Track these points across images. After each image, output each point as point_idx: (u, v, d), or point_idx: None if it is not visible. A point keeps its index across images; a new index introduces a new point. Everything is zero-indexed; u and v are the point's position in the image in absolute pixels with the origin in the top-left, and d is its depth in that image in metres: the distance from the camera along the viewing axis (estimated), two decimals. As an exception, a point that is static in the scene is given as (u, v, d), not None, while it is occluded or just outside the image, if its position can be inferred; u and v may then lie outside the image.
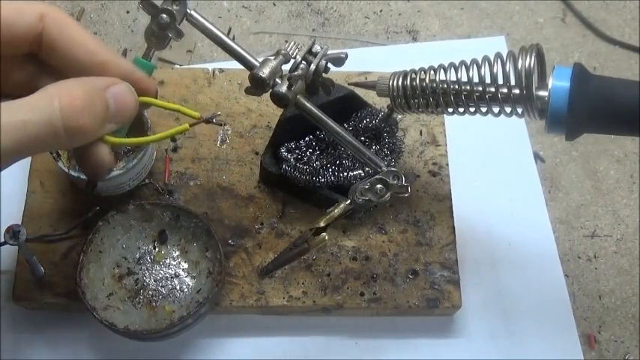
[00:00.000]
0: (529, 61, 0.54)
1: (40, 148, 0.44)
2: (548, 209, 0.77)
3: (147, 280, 0.64)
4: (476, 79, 0.58)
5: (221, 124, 0.56)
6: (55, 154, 0.63)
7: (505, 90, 0.57)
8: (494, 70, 0.57)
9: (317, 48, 0.60)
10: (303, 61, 0.59)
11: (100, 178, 0.53)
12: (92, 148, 0.48)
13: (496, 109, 0.59)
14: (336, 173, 0.65)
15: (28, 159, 0.68)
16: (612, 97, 0.53)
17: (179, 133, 0.56)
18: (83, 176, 0.62)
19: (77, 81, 0.46)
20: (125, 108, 0.48)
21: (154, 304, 0.63)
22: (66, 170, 0.63)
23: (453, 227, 0.70)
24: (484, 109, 0.59)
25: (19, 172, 0.70)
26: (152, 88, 0.51)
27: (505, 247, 0.74)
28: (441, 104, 0.60)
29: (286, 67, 0.59)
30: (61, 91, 0.43)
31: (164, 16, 0.57)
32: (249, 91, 0.59)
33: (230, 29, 0.86)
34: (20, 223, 0.60)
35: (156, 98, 0.52)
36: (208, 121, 0.53)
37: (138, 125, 0.65)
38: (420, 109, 0.62)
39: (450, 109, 0.60)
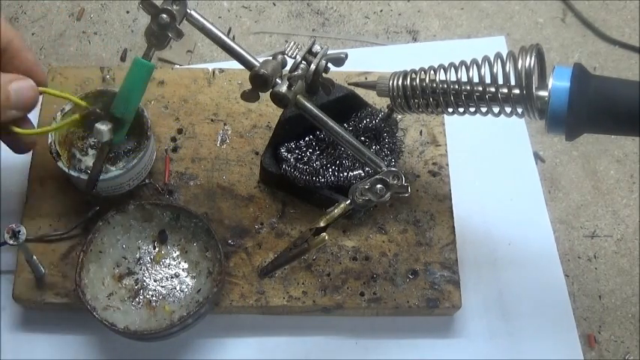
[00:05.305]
0: (529, 61, 0.54)
1: None
2: (548, 209, 0.77)
3: (147, 280, 0.64)
4: (476, 79, 0.58)
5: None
6: (55, 154, 0.63)
7: (505, 90, 0.57)
8: (494, 70, 0.57)
9: (317, 48, 0.60)
10: (303, 61, 0.59)
11: (23, 153, 0.63)
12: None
13: (496, 109, 0.59)
14: (336, 173, 0.65)
15: (28, 159, 0.68)
16: (612, 97, 0.53)
17: (72, 125, 0.62)
18: (83, 176, 0.63)
19: None
20: (26, 98, 0.57)
21: (153, 304, 0.63)
22: (66, 170, 0.63)
23: (453, 227, 0.70)
24: (484, 109, 0.59)
25: (19, 172, 0.70)
26: (44, 79, 0.61)
27: (505, 247, 0.74)
28: (441, 104, 0.60)
29: (286, 68, 0.60)
30: None
31: (164, 16, 0.57)
32: (245, 96, 0.59)
33: (230, 29, 0.86)
34: (20, 223, 0.60)
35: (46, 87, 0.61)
36: (94, 111, 0.59)
37: (138, 125, 0.65)
38: (420, 109, 0.62)
39: (450, 109, 0.60)
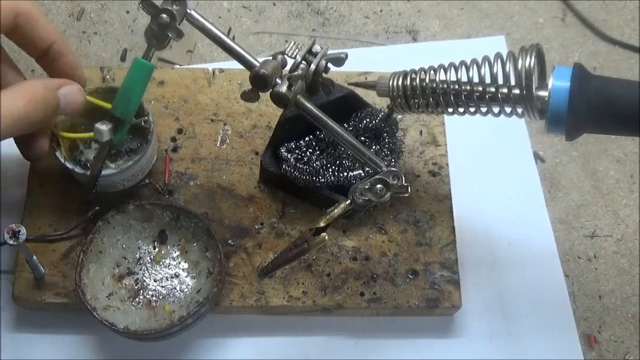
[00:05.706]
0: (529, 61, 0.54)
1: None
2: (548, 209, 0.77)
3: (147, 280, 0.64)
4: (476, 79, 0.58)
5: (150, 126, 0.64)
6: (55, 144, 0.63)
7: (505, 90, 0.57)
8: (494, 70, 0.57)
9: (317, 48, 0.60)
10: (303, 61, 0.59)
11: (34, 161, 0.63)
12: (37, 135, 0.60)
13: (496, 109, 0.59)
14: (336, 173, 0.65)
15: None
16: (612, 97, 0.53)
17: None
18: (78, 169, 0.62)
19: (38, 82, 0.56)
20: (74, 103, 0.57)
21: (153, 304, 0.63)
22: (62, 161, 0.63)
23: (453, 227, 0.70)
24: (484, 109, 0.59)
25: (18, 171, 0.70)
26: (84, 82, 0.62)
27: (505, 247, 0.74)
28: (441, 104, 0.60)
29: (286, 68, 0.59)
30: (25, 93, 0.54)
31: (164, 16, 0.57)
32: (245, 96, 0.59)
33: (230, 29, 0.86)
34: (20, 223, 0.60)
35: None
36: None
37: (140, 128, 0.65)
38: (420, 109, 0.62)
39: (450, 109, 0.60)
